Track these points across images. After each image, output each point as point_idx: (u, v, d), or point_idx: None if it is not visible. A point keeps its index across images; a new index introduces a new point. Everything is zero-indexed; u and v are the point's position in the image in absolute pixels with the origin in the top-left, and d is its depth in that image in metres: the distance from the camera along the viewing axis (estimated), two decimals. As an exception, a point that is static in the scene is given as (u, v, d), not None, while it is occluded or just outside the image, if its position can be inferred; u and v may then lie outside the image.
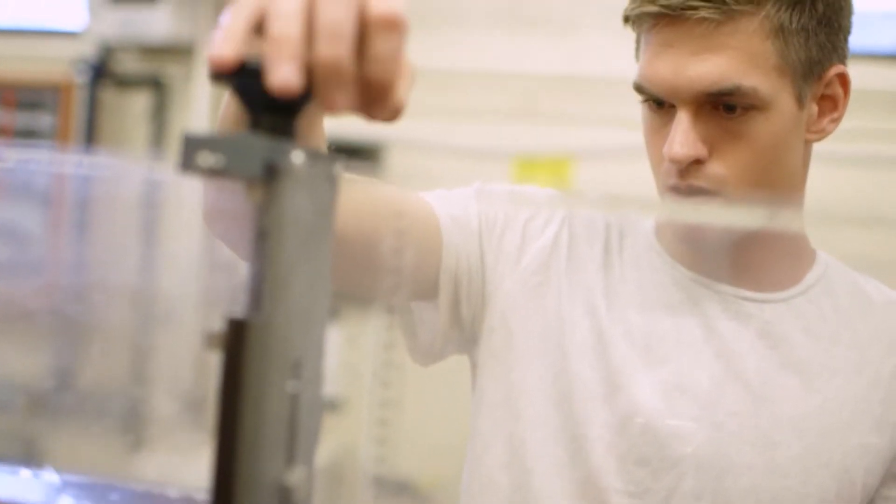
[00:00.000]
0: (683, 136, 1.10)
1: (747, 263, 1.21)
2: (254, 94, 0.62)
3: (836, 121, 1.19)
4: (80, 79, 3.96)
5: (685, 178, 1.12)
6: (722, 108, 1.11)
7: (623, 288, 1.23)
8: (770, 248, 1.22)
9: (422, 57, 3.39)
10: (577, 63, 3.85)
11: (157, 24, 3.81)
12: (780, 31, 1.11)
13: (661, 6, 1.10)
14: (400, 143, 3.81)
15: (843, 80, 1.18)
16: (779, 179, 1.16)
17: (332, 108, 0.62)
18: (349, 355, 3.58)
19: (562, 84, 3.59)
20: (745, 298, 1.21)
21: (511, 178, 3.65)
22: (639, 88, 1.15)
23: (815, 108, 1.16)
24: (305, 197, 0.61)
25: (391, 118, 0.66)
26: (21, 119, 4.13)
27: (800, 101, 1.14)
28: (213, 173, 0.58)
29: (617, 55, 4.19)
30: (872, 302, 1.25)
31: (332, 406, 3.63)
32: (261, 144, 0.59)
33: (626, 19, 1.16)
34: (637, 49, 1.18)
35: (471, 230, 1.23)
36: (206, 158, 0.58)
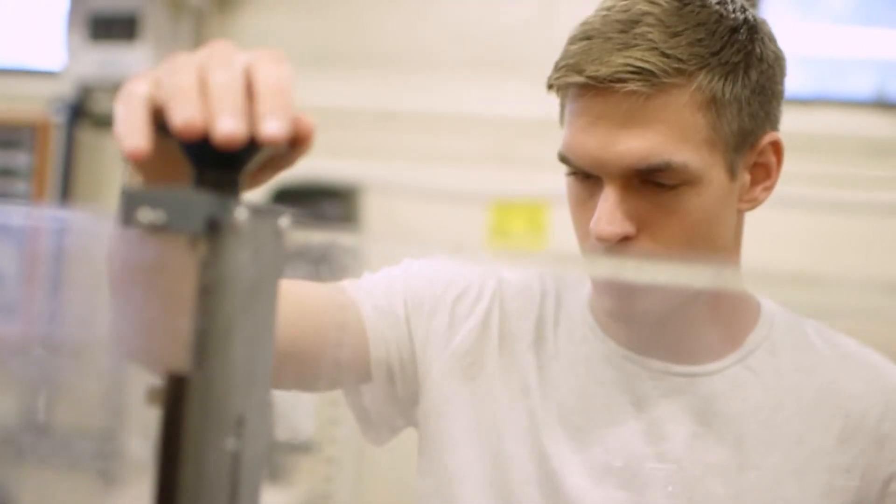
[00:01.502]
0: (610, 213, 1.06)
1: (679, 337, 1.17)
2: (198, 150, 0.62)
3: (769, 188, 1.15)
4: (58, 118, 3.96)
5: (613, 255, 1.08)
6: (651, 182, 1.06)
7: (556, 365, 1.20)
8: (702, 318, 1.17)
9: (400, 100, 3.45)
10: (553, 108, 3.86)
11: (136, 64, 3.81)
12: (712, 103, 1.06)
13: (588, 77, 1.05)
14: (376, 185, 3.82)
15: (777, 147, 1.14)
16: (711, 253, 1.11)
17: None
18: (324, 398, 3.57)
19: (538, 129, 3.60)
20: (678, 374, 1.17)
21: (487, 222, 3.66)
22: (564, 160, 1.10)
23: (747, 178, 1.12)
24: (249, 253, 0.60)
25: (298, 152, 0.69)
26: (-3, 158, 4.12)
27: (732, 173, 1.09)
28: (153, 229, 0.58)
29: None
30: (821, 358, 1.20)
31: (307, 448, 3.61)
32: (203, 200, 0.59)
33: (550, 87, 1.12)
34: (561, 116, 1.13)
35: (397, 317, 1.21)
36: (146, 214, 0.57)
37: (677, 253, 1.08)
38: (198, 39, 4.07)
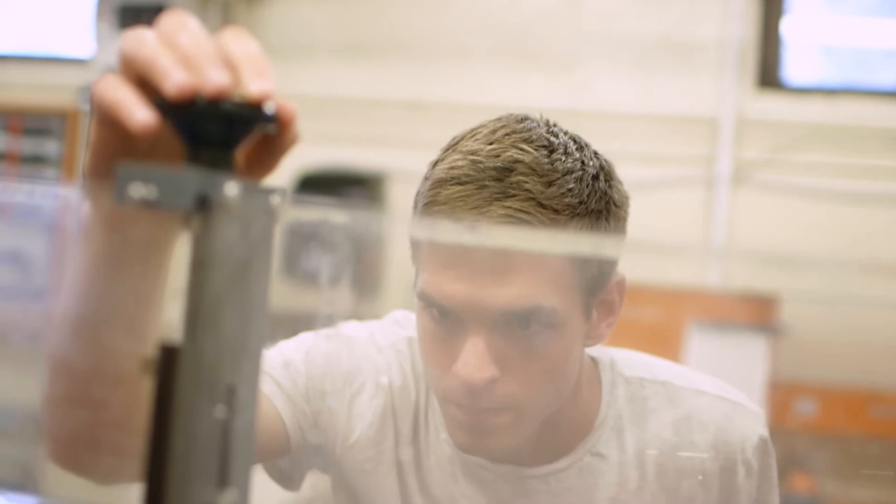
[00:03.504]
0: (480, 359, 1.07)
1: (530, 445, 1.18)
2: (192, 128, 0.64)
3: (612, 325, 1.17)
4: (87, 106, 4.00)
5: (476, 399, 1.09)
6: (515, 324, 1.08)
7: (427, 461, 1.23)
8: (552, 424, 1.18)
9: (425, 90, 3.48)
10: (576, 98, 3.87)
11: (164, 54, 3.84)
12: None
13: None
14: (401, 174, 3.84)
15: (621, 286, 1.17)
16: (562, 388, 1.14)
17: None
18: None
19: (562, 119, 3.62)
20: (532, 476, 1.20)
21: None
22: (426, 298, 1.10)
23: (595, 315, 1.15)
24: (238, 229, 0.62)
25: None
26: (28, 145, 4.17)
27: (586, 313, 1.13)
28: (145, 205, 0.60)
29: (616, 91, 4.23)
30: (661, 425, 1.23)
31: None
32: (194, 177, 0.61)
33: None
34: (416, 253, 1.14)
35: (304, 410, 1.23)
36: (138, 189, 0.60)
37: (535, 392, 1.11)
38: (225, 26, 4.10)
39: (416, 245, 1.13)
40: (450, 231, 1.07)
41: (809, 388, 3.60)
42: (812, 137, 3.78)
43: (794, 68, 4.02)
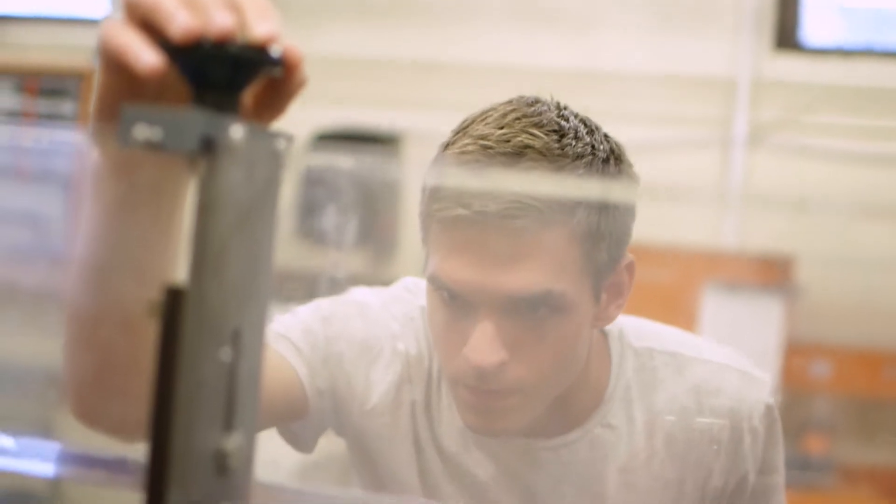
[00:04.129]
0: (490, 343, 1.08)
1: (541, 419, 1.19)
2: (198, 71, 0.64)
3: (621, 307, 1.18)
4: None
5: (486, 382, 1.10)
6: (525, 308, 1.09)
7: (439, 430, 1.25)
8: (562, 399, 1.19)
9: (438, 51, 3.47)
10: (591, 59, 3.85)
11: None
12: (588, 236, 1.09)
13: (476, 212, 1.06)
14: (416, 134, 3.84)
15: (631, 268, 1.18)
16: (571, 369, 1.16)
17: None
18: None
19: (576, 79, 3.61)
20: (543, 448, 1.21)
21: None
22: (437, 282, 1.11)
23: (604, 297, 1.16)
24: (243, 172, 0.62)
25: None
26: (44, 106, 4.17)
27: (596, 296, 1.13)
28: (150, 146, 0.60)
29: (631, 51, 4.20)
30: (671, 395, 1.24)
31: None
32: (199, 118, 0.61)
33: (427, 216, 1.12)
34: (426, 238, 1.14)
35: (322, 375, 1.24)
36: (142, 131, 0.59)
37: (544, 375, 1.12)
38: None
39: (426, 228, 1.14)
40: (459, 176, 1.07)
41: (824, 350, 3.60)
42: (829, 99, 3.76)
43: (811, 29, 3.99)
